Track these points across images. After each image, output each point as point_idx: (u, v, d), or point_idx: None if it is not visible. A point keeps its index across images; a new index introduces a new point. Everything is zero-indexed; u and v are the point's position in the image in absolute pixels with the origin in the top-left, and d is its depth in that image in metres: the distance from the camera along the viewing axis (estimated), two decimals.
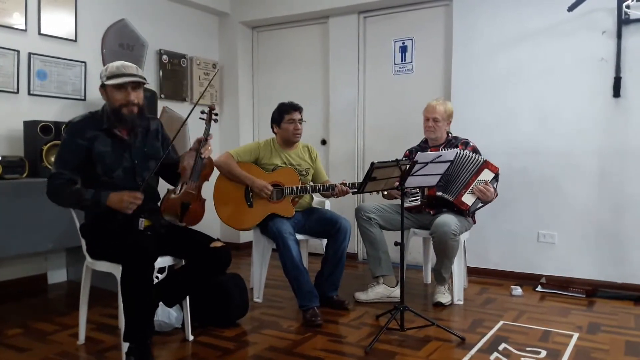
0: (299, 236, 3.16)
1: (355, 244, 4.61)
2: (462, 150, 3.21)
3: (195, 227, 2.57)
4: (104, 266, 2.39)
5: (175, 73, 4.65)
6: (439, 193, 3.22)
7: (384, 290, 3.29)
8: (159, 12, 4.50)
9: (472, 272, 3.93)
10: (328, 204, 3.65)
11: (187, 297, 2.63)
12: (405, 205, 3.06)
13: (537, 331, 2.78)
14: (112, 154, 2.37)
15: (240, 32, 5.07)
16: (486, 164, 3.13)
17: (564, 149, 3.73)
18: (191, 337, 2.65)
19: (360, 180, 2.83)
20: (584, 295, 3.44)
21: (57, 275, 3.83)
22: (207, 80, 4.92)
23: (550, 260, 3.81)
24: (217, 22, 5.12)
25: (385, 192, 3.29)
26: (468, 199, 3.15)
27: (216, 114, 2.64)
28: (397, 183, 2.70)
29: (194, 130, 2.64)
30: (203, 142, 2.49)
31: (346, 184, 3.14)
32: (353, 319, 3.00)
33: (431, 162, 2.66)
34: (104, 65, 3.90)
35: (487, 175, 3.13)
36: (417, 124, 3.51)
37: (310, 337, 2.70)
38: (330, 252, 3.20)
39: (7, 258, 3.42)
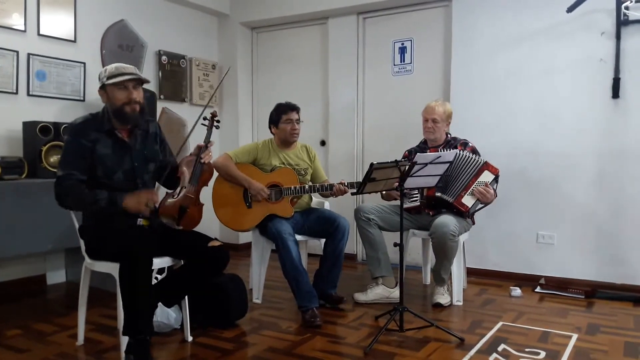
0: (298, 237, 3.16)
1: (354, 245, 4.61)
2: (461, 151, 3.21)
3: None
4: (103, 267, 2.39)
5: (174, 74, 4.65)
6: (438, 194, 3.22)
7: (383, 291, 3.29)
8: (158, 13, 4.51)
9: (471, 273, 3.93)
10: (327, 205, 3.65)
11: (186, 298, 2.63)
12: (405, 205, 3.06)
13: (536, 332, 2.78)
14: (112, 156, 2.37)
15: (239, 32, 5.07)
16: (486, 166, 3.13)
17: (563, 150, 3.73)
18: (190, 338, 2.65)
19: (360, 180, 2.84)
20: (583, 296, 3.44)
21: (56, 276, 3.82)
22: (206, 81, 4.93)
23: (550, 261, 3.81)
24: (217, 23, 5.13)
25: (384, 193, 3.29)
26: (468, 200, 3.15)
27: (218, 121, 2.67)
28: (397, 184, 2.71)
29: (195, 135, 2.65)
30: (203, 148, 2.50)
31: (344, 183, 3.14)
32: (352, 320, 3.00)
33: (430, 163, 2.66)
34: (104, 66, 3.95)
35: (487, 176, 3.13)
36: (417, 124, 3.51)
37: (310, 338, 2.70)
38: (328, 250, 3.20)
39: (6, 259, 3.41)
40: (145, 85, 2.45)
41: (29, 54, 3.56)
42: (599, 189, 3.65)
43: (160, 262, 2.44)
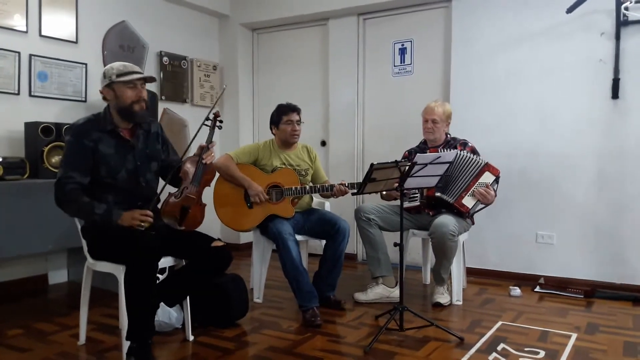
0: (298, 237, 3.17)
1: (354, 245, 4.62)
2: (461, 152, 3.22)
3: None
4: (105, 267, 2.40)
5: (175, 75, 4.67)
6: (438, 194, 3.23)
7: (383, 291, 3.31)
8: (159, 14, 4.52)
9: (470, 272, 3.94)
10: (328, 205, 3.66)
11: (188, 298, 2.65)
12: (405, 205, 3.07)
13: (535, 331, 2.79)
14: (115, 156, 2.38)
15: (240, 33, 5.09)
16: (487, 167, 3.14)
17: (563, 150, 3.74)
18: (191, 337, 2.66)
19: (360, 181, 2.85)
20: (583, 296, 3.45)
21: (58, 276, 3.84)
22: (207, 82, 4.94)
23: (549, 261, 3.82)
24: (217, 24, 5.14)
25: (384, 193, 3.30)
26: (468, 201, 3.16)
27: (221, 121, 2.66)
28: (397, 184, 2.72)
29: (198, 135, 2.65)
30: (205, 149, 2.51)
31: (345, 184, 3.15)
32: (352, 319, 3.01)
33: (430, 163, 2.67)
34: (105, 66, 3.97)
35: (488, 177, 3.14)
36: (417, 125, 3.52)
37: (310, 338, 2.71)
38: (328, 253, 3.21)
39: (8, 259, 3.42)
40: (146, 86, 2.47)
41: (30, 55, 3.58)
42: (599, 189, 3.66)
43: (162, 262, 2.44)
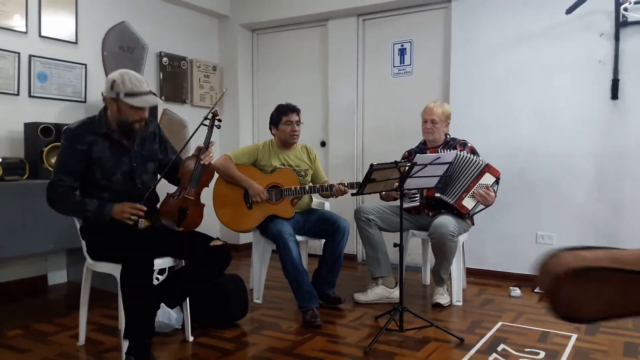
0: (298, 237, 3.17)
1: (354, 245, 4.62)
2: (461, 152, 3.22)
3: None
4: (104, 267, 2.40)
5: (175, 75, 4.67)
6: (438, 195, 3.23)
7: (383, 291, 3.30)
8: (159, 15, 4.52)
9: (470, 273, 3.94)
10: (327, 205, 3.66)
11: (187, 298, 2.64)
12: (404, 206, 3.07)
13: (535, 332, 2.79)
14: (110, 158, 2.38)
15: (240, 34, 5.09)
16: (488, 168, 3.14)
17: (562, 151, 3.74)
18: (191, 338, 2.66)
19: (360, 181, 2.85)
20: None
21: (58, 277, 3.84)
22: (207, 83, 4.94)
23: None
24: (217, 25, 5.14)
25: (383, 193, 3.30)
26: (468, 202, 3.16)
27: (219, 121, 2.63)
28: (397, 184, 2.72)
29: (196, 135, 2.64)
30: (203, 149, 2.50)
31: (344, 184, 3.15)
32: (352, 320, 3.01)
33: (430, 163, 2.68)
34: (104, 67, 3.98)
35: (488, 179, 3.14)
36: (416, 125, 3.52)
37: (310, 338, 2.71)
38: (328, 251, 3.22)
39: (8, 259, 3.42)
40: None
41: (30, 56, 3.58)
42: (598, 190, 3.66)
43: (161, 263, 2.45)
